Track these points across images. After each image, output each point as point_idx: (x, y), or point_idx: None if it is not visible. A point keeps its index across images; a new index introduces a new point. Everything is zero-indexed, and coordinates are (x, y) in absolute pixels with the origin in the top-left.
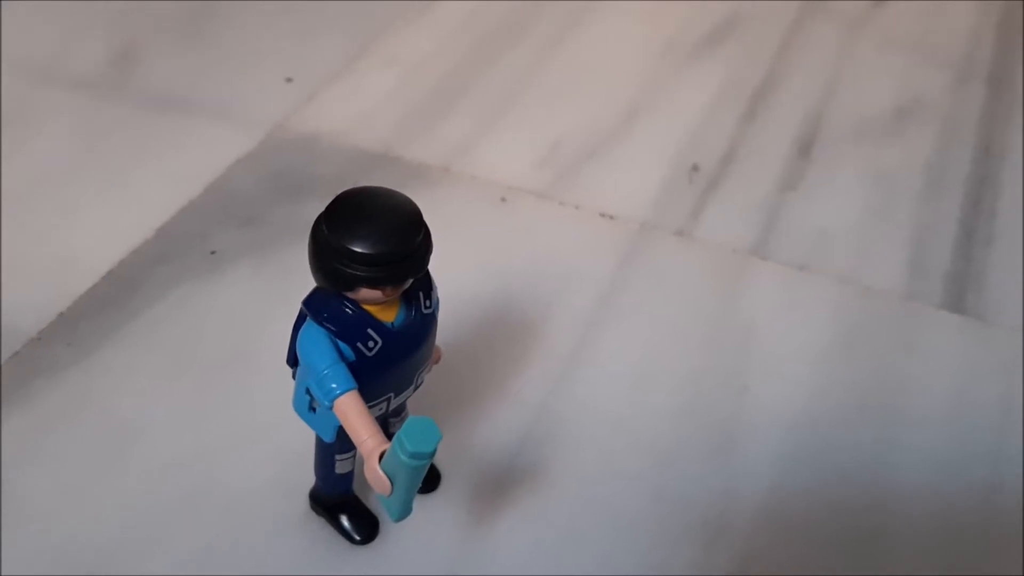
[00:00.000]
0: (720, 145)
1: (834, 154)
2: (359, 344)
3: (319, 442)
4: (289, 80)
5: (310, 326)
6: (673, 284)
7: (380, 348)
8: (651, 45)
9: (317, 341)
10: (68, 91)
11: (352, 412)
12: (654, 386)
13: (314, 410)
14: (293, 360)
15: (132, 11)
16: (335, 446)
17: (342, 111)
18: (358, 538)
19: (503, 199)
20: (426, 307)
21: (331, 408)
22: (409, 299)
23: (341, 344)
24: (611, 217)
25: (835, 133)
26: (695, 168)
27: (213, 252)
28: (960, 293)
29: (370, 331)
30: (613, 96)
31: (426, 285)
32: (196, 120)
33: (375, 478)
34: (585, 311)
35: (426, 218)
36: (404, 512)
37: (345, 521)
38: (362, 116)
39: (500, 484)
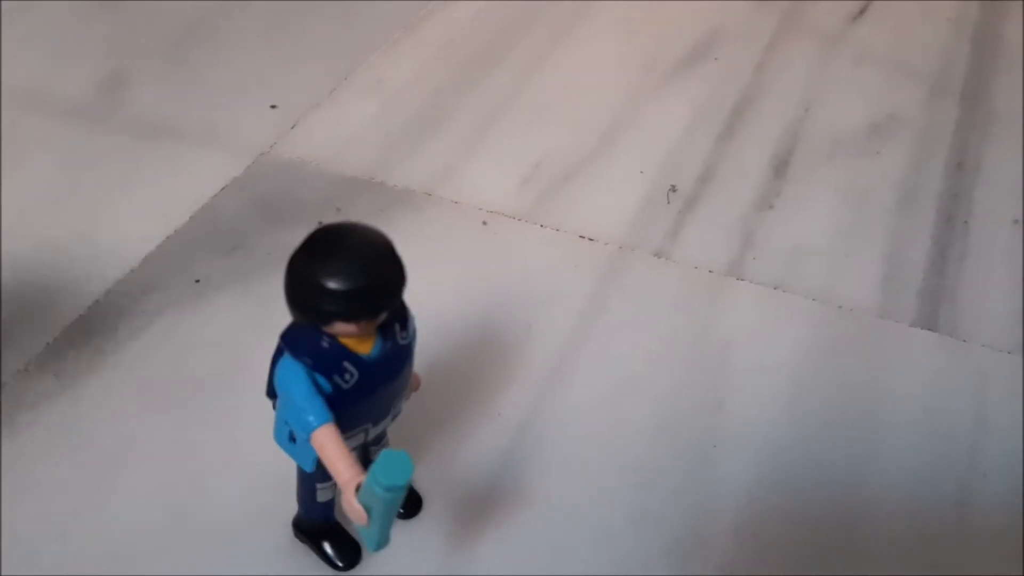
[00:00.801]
0: (698, 165)
1: (810, 172)
2: (335, 377)
3: (300, 471)
4: (274, 107)
5: (287, 359)
6: (651, 304)
7: (357, 380)
8: (630, 66)
9: (294, 374)
10: (55, 119)
11: (328, 445)
12: (633, 404)
13: (294, 440)
14: (272, 392)
15: (119, 39)
16: (316, 475)
17: (326, 137)
18: (341, 564)
19: (485, 223)
20: (402, 338)
21: (308, 441)
22: (385, 330)
23: (318, 376)
24: (590, 239)
25: (811, 151)
26: (673, 188)
27: (198, 280)
28: (933, 310)
29: (346, 364)
30: (592, 117)
31: (402, 316)
32: (182, 147)
33: (352, 510)
34: (565, 332)
35: (410, 243)
36: (382, 541)
37: (328, 547)
38: (346, 141)
39: (482, 505)
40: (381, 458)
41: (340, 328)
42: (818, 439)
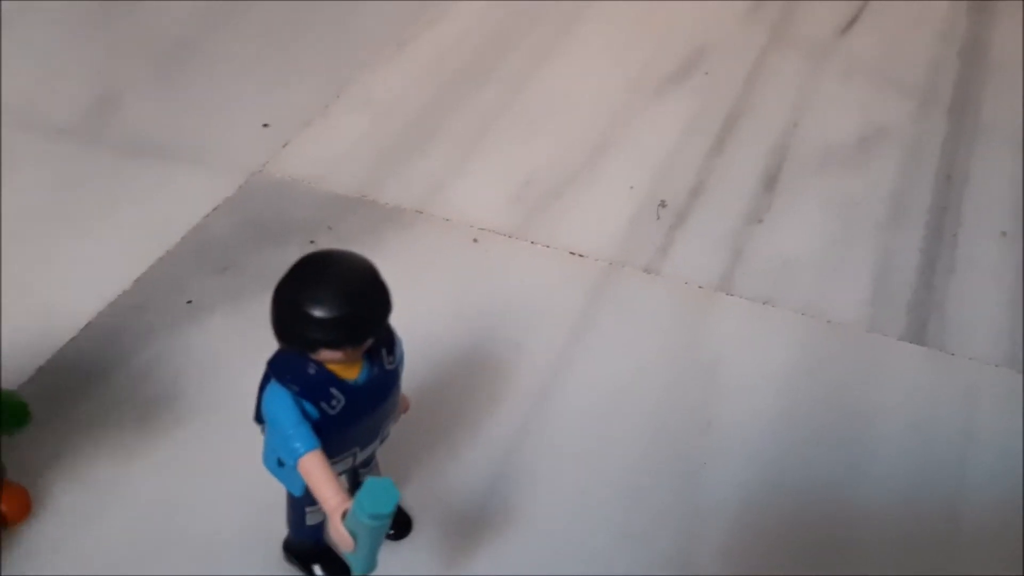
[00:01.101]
0: (688, 179)
1: (799, 185)
2: (322, 403)
3: (290, 495)
4: (266, 125)
5: (274, 386)
6: (641, 321)
7: (343, 406)
8: (619, 81)
9: (281, 400)
10: (46, 138)
11: (315, 471)
12: (622, 422)
13: (282, 465)
14: (259, 418)
15: (111, 58)
16: (304, 499)
17: (317, 155)
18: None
19: (475, 240)
20: (389, 363)
21: (295, 468)
22: (372, 356)
23: (304, 403)
24: (580, 255)
25: (800, 164)
26: (663, 204)
27: (189, 302)
28: (922, 323)
29: (333, 390)
30: (582, 133)
31: (389, 341)
32: (174, 167)
33: (338, 536)
34: (554, 349)
35: (400, 261)
36: (369, 567)
37: (318, 570)
38: (337, 159)
39: (473, 526)
40: (366, 486)
41: (326, 355)
42: (807, 455)
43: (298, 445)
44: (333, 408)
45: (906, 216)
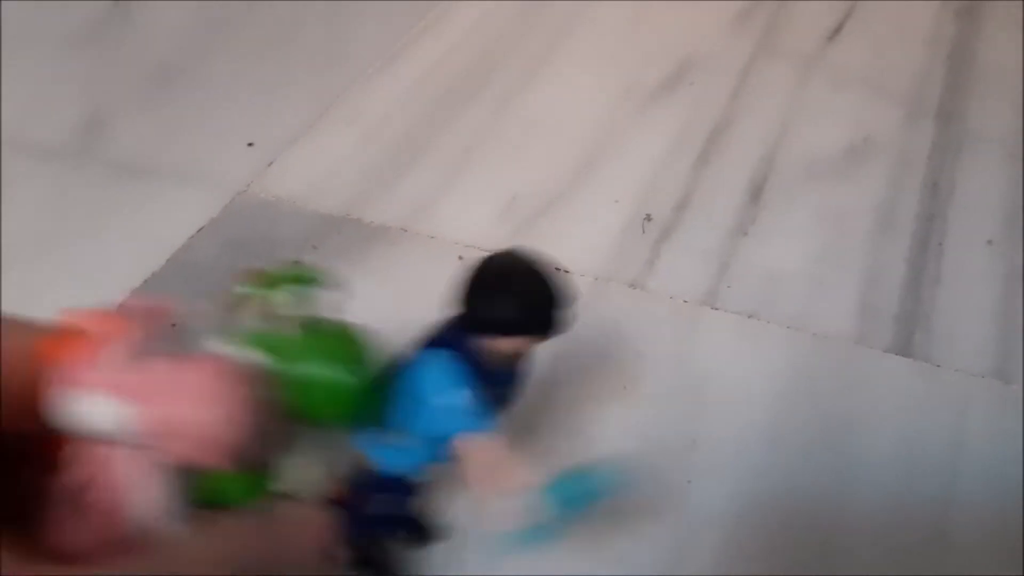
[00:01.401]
0: (674, 193)
1: (785, 197)
2: (487, 387)
3: (381, 501)
4: (251, 145)
5: (440, 359)
6: (627, 336)
7: (499, 393)
8: (605, 96)
9: (449, 371)
10: (34, 160)
11: (500, 450)
12: (607, 442)
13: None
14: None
15: (97, 80)
16: (383, 484)
17: (303, 174)
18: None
19: (460, 257)
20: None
21: (476, 440)
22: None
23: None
24: (566, 271)
25: (787, 175)
26: (648, 218)
27: (174, 325)
28: (909, 335)
29: (495, 375)
30: (568, 149)
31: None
32: (160, 188)
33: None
34: (539, 368)
35: (386, 279)
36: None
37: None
38: (322, 178)
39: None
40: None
41: (508, 343)
42: (795, 469)
43: (481, 422)
44: (489, 392)
45: (893, 226)
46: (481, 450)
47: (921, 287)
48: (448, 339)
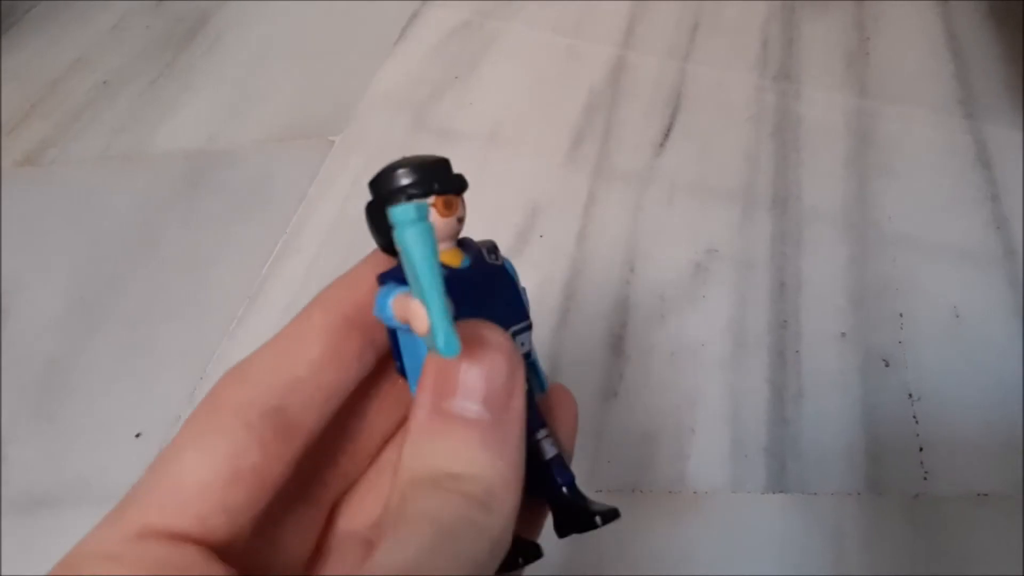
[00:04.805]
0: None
1: (646, 341)
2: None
3: None
4: (138, 435)
5: (381, 292)
6: None
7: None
8: None
9: (380, 292)
10: None
11: (400, 299)
12: None
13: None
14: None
15: None
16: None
17: None
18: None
19: None
20: (491, 259)
21: (390, 311)
22: (471, 251)
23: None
24: None
25: (643, 316)
26: None
27: None
28: (781, 467)
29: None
30: None
31: (490, 246)
32: (58, 515)
33: (410, 309)
34: None
35: None
36: (446, 330)
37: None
38: None
39: None
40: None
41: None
42: None
43: (383, 296)
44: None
45: (748, 345)
46: (399, 311)
47: (785, 407)
48: (387, 272)
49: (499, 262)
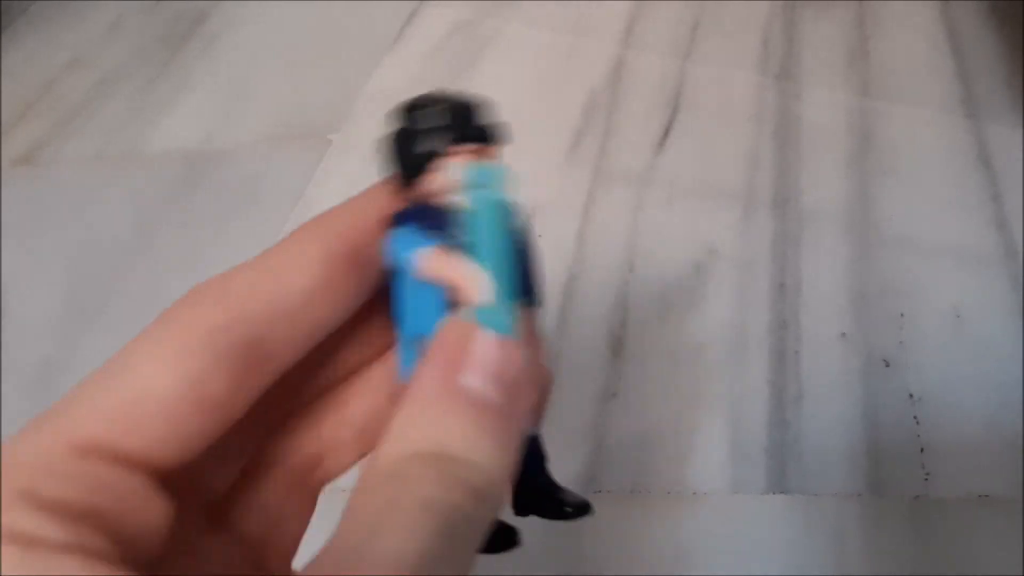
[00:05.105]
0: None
1: (645, 342)
2: (449, 230)
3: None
4: None
5: (394, 232)
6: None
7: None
8: None
9: (398, 236)
10: None
11: (437, 256)
12: None
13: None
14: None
15: None
16: None
17: None
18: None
19: None
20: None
21: (415, 263)
22: None
23: (430, 237)
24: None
25: (643, 317)
26: None
27: None
28: (781, 469)
29: (453, 217)
30: None
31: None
32: None
33: (471, 277)
34: None
35: None
36: (512, 307)
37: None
38: None
39: None
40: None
41: (443, 171)
42: None
43: (409, 246)
44: (455, 239)
45: (748, 345)
46: (426, 268)
47: (786, 408)
48: (402, 212)
49: (521, 234)
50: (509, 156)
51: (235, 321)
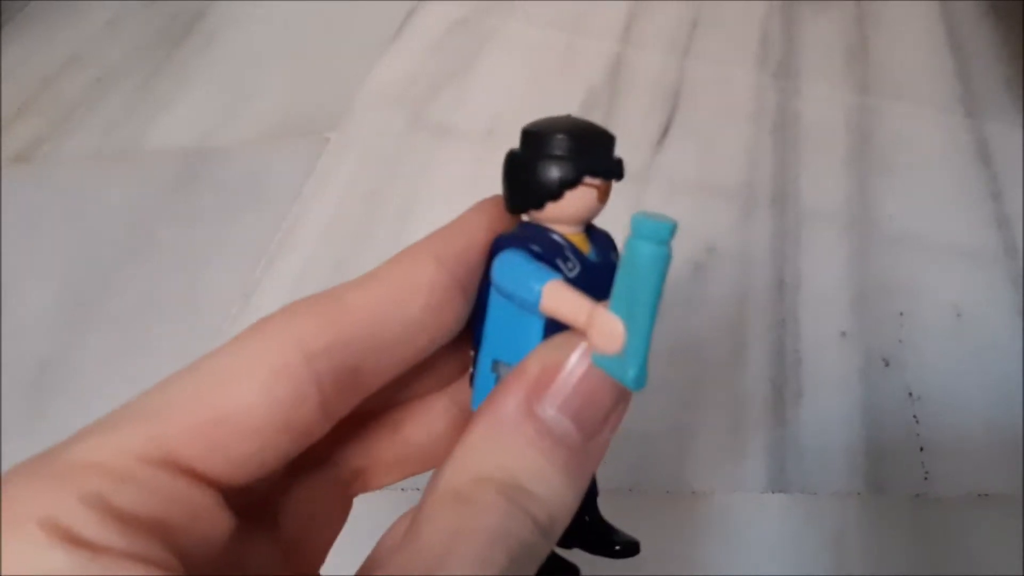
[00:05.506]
0: None
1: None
2: (559, 261)
3: None
4: None
5: (506, 254)
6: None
7: (579, 274)
8: None
9: (514, 257)
10: None
11: (562, 292)
12: None
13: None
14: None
15: None
16: None
17: None
18: None
19: None
20: (612, 256)
21: (540, 295)
22: (598, 244)
23: (543, 262)
24: None
25: None
26: None
27: None
28: (780, 467)
29: (570, 252)
30: None
31: (611, 242)
32: None
33: (604, 323)
34: None
35: None
36: (644, 363)
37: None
38: None
39: None
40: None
41: (566, 206)
42: None
43: (537, 279)
44: (571, 271)
45: (748, 343)
46: (550, 303)
47: (785, 407)
48: (515, 232)
49: (615, 259)
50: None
51: (336, 345)
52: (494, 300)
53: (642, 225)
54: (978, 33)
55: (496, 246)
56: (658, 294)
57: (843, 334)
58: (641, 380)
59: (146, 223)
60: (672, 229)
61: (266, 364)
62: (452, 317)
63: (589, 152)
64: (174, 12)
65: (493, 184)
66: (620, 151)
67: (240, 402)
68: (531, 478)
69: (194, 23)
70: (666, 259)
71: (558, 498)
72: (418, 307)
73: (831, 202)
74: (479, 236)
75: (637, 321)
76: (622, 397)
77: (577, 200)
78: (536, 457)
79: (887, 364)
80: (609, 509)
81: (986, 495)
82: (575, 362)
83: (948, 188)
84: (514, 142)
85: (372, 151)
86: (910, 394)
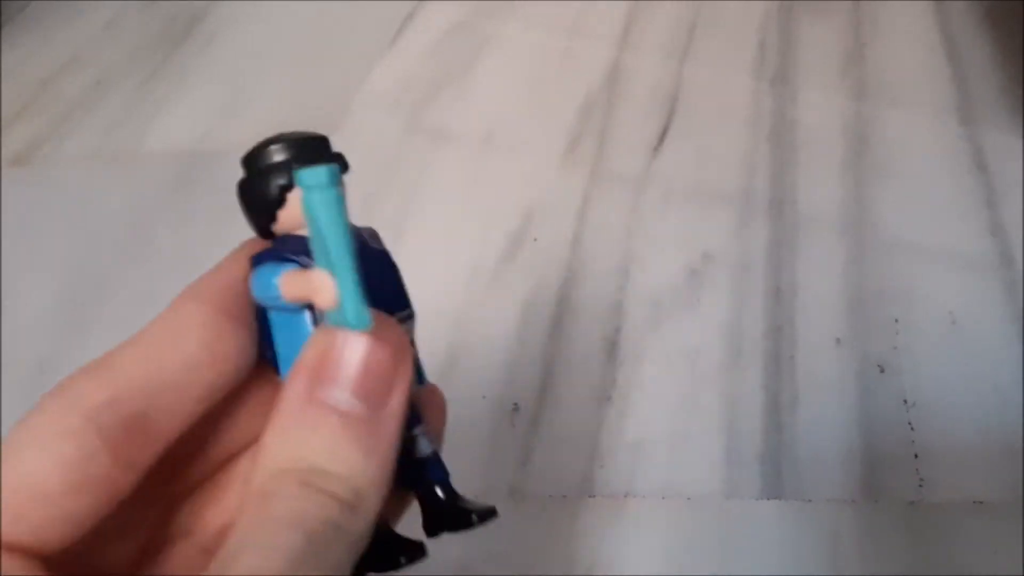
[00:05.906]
0: (534, 373)
1: (639, 348)
2: (305, 257)
3: None
4: None
5: (255, 270)
6: (510, 554)
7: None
8: (455, 281)
9: (260, 271)
10: None
11: (295, 274)
12: None
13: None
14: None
15: None
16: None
17: None
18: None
19: None
20: (374, 243)
21: (279, 288)
22: (356, 237)
23: (289, 263)
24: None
25: (637, 322)
26: (516, 407)
27: None
28: (776, 474)
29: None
30: (430, 345)
31: (370, 232)
32: None
33: (313, 280)
34: None
35: None
36: (358, 302)
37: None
38: None
39: None
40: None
41: (293, 209)
42: None
43: (274, 273)
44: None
45: (743, 350)
46: (284, 287)
47: (781, 414)
48: (264, 251)
49: (381, 247)
50: (507, 157)
51: (116, 398)
52: (272, 318)
53: (305, 175)
54: (975, 41)
55: (252, 265)
56: (344, 234)
57: (838, 341)
58: (362, 319)
59: (145, 224)
60: (332, 171)
61: (48, 428)
62: (233, 347)
63: (299, 154)
64: (173, 14)
65: (489, 187)
66: (619, 154)
67: (27, 468)
68: (327, 459)
69: (193, 25)
70: (336, 199)
71: (358, 472)
72: (192, 344)
73: (827, 208)
74: (238, 269)
75: (337, 267)
76: (400, 361)
77: (296, 207)
78: (326, 437)
79: (882, 371)
80: (605, 515)
81: (981, 502)
82: (343, 339)
83: (944, 195)
84: (513, 146)
85: (370, 153)
86: (905, 401)
